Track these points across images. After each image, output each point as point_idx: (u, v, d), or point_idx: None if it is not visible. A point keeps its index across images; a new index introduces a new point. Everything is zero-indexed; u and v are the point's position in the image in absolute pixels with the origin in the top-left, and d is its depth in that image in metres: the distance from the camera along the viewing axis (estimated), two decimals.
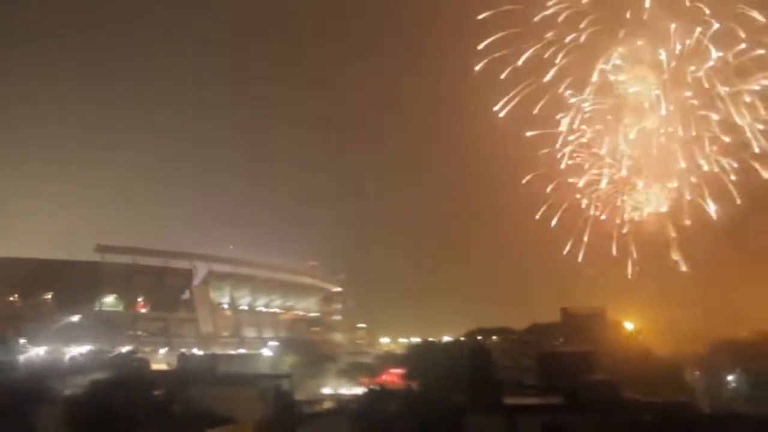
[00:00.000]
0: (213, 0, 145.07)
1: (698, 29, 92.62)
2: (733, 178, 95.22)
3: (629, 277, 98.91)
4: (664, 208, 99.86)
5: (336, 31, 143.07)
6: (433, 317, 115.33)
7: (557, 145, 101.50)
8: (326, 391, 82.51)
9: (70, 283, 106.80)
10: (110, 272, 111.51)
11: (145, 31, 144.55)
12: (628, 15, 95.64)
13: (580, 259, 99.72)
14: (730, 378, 72.38)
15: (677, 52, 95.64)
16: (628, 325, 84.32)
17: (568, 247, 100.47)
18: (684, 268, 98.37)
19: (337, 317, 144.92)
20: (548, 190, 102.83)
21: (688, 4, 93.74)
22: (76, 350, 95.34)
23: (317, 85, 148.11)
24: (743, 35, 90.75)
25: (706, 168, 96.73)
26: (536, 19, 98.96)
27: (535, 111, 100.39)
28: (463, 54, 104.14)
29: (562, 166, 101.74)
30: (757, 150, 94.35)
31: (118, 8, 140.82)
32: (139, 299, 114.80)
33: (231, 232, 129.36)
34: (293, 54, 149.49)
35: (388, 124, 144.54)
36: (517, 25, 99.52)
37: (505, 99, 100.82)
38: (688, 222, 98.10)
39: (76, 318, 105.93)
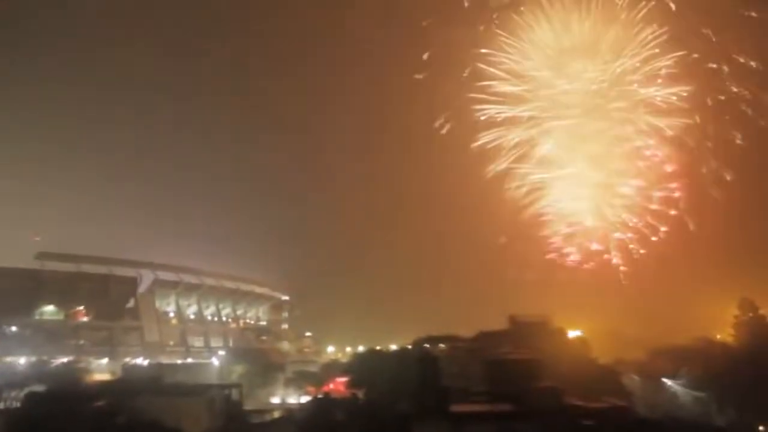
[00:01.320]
0: None
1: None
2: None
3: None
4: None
5: (275, 35, 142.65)
6: (380, 326, 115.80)
7: (499, 161, 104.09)
8: (275, 400, 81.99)
9: (6, 291, 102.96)
10: (51, 280, 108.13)
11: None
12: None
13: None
14: (667, 382, 75.05)
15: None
16: (573, 333, 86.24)
17: (516, 263, 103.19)
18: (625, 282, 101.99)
19: (285, 326, 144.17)
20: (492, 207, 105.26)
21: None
22: (14, 361, 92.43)
23: (263, 98, 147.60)
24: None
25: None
26: (481, 28, 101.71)
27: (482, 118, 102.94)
28: (409, 62, 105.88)
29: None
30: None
31: None
32: (81, 308, 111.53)
33: (177, 241, 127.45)
34: (232, 64, 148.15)
35: (337, 135, 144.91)
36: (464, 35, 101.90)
37: (447, 114, 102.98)
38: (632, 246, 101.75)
39: (13, 328, 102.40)
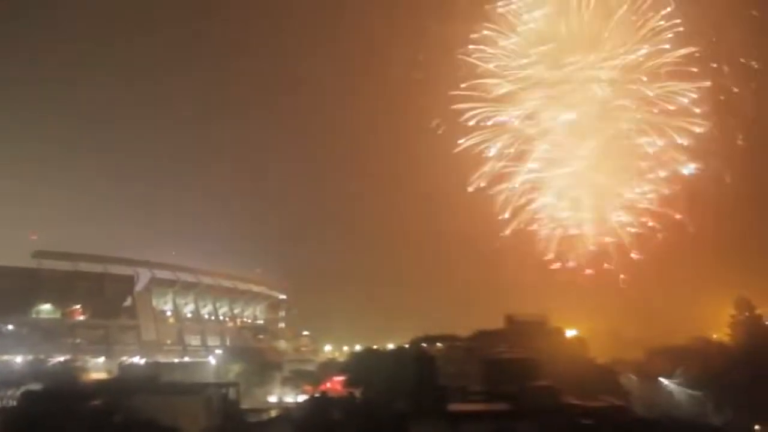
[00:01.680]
0: None
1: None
2: None
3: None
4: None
5: (273, 35, 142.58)
6: (377, 325, 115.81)
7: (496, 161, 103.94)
8: (272, 399, 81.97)
9: (3, 289, 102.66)
10: (47, 278, 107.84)
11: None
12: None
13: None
14: (664, 382, 75.18)
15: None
16: (570, 332, 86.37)
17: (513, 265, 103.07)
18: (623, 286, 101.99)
19: (282, 325, 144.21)
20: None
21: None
22: (11, 360, 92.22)
23: (259, 98, 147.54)
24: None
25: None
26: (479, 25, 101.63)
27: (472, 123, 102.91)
28: (407, 62, 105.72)
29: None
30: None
31: None
32: (78, 306, 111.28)
33: (174, 240, 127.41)
34: (228, 63, 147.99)
35: (336, 135, 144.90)
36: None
37: (444, 114, 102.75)
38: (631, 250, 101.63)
39: (10, 326, 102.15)
